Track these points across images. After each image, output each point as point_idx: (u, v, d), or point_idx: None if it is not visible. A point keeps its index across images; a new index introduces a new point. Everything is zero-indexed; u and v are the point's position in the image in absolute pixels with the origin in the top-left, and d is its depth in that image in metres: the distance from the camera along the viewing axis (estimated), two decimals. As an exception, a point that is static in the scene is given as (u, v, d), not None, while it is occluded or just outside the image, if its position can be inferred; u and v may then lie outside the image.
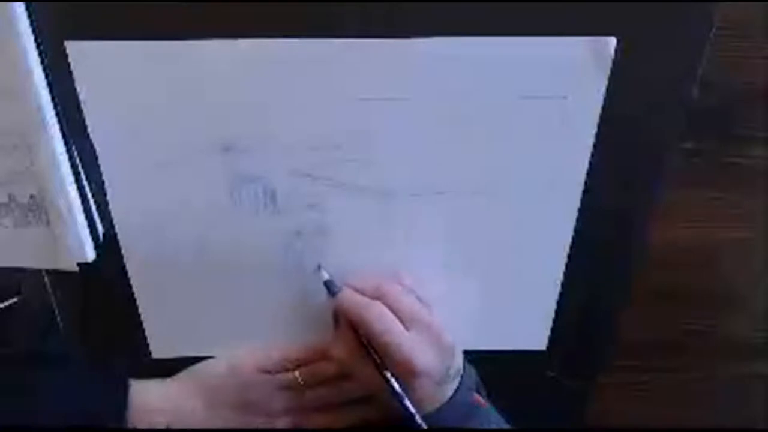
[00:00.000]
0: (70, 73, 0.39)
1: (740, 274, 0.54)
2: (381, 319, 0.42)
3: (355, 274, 0.46)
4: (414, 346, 0.41)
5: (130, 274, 0.46)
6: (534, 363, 0.53)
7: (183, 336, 0.49)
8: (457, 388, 0.44)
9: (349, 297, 0.44)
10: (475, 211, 0.45)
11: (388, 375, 0.42)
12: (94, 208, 0.43)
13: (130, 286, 0.47)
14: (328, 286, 0.45)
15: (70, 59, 0.38)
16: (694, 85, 0.43)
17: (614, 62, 0.40)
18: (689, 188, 0.48)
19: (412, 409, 0.41)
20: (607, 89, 0.41)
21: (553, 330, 0.51)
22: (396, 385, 0.42)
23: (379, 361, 0.42)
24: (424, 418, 0.43)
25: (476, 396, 0.45)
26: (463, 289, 0.48)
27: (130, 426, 0.42)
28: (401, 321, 0.42)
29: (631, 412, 0.61)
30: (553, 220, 0.46)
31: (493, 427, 0.45)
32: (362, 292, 0.44)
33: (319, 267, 0.46)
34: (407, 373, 0.41)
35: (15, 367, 0.44)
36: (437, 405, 0.43)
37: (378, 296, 0.43)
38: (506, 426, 0.46)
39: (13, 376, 0.43)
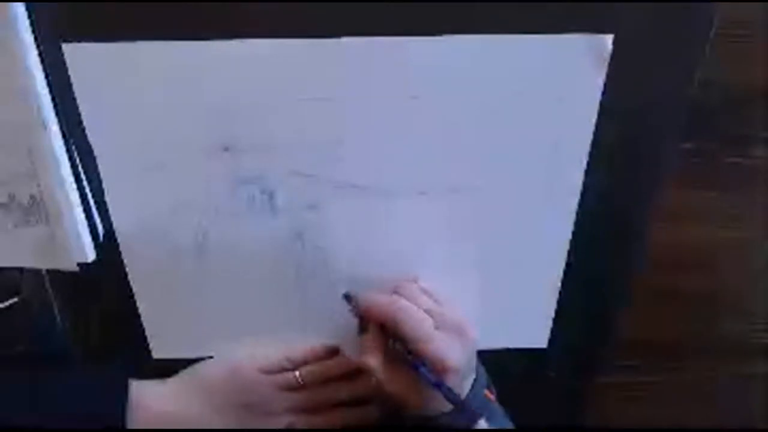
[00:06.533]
0: (70, 73, 0.39)
1: (740, 274, 0.54)
2: (413, 319, 0.42)
3: (355, 274, 0.46)
4: (443, 344, 0.41)
5: (130, 274, 0.46)
6: (534, 363, 0.53)
7: (183, 336, 0.49)
8: (474, 382, 0.44)
9: (377, 299, 0.44)
10: (475, 211, 0.45)
11: (424, 371, 0.41)
12: (94, 208, 0.43)
13: (130, 286, 0.47)
14: (347, 296, 0.46)
15: (67, 61, 0.38)
16: (694, 85, 0.43)
17: (614, 61, 0.40)
18: (689, 188, 0.48)
19: (459, 398, 0.41)
20: (607, 89, 0.41)
21: (553, 330, 0.51)
22: (435, 380, 0.41)
23: (412, 359, 0.41)
24: (444, 415, 0.42)
25: (486, 391, 0.45)
26: (464, 288, 0.48)
27: (130, 426, 0.42)
28: None
29: (631, 412, 0.61)
30: (553, 219, 0.46)
31: (499, 425, 0.45)
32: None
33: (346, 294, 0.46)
34: (439, 371, 0.41)
35: (15, 367, 0.44)
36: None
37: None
38: (510, 424, 0.46)
39: (13, 376, 0.43)
